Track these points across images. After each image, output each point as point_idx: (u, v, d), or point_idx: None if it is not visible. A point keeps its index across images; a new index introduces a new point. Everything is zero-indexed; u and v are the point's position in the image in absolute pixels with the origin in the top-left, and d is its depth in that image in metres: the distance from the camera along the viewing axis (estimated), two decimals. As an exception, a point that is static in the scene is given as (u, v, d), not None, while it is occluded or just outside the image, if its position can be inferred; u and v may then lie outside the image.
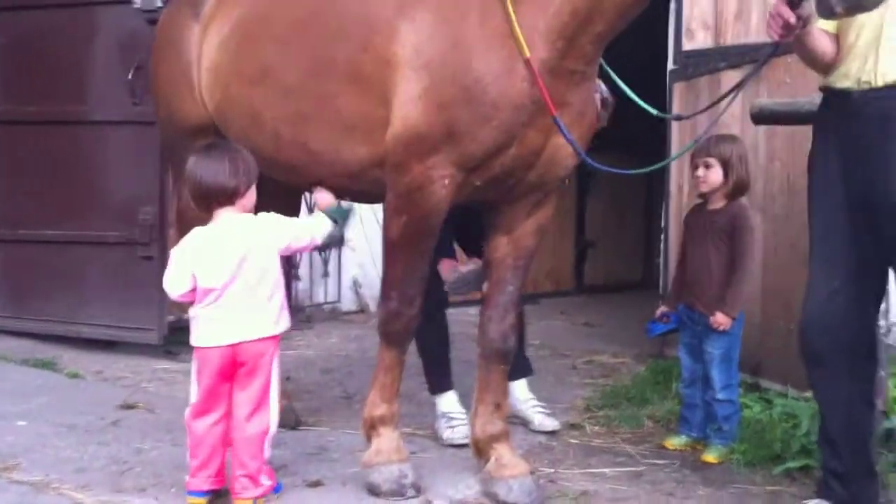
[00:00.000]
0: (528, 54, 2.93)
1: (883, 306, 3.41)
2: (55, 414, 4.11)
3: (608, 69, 3.32)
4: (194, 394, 3.09)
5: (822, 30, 2.98)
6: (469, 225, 3.77)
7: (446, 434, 3.88)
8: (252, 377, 3.07)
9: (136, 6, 5.35)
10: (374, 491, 3.19)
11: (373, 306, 7.35)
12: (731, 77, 4.63)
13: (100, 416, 4.10)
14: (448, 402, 4.01)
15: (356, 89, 3.20)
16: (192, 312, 3.11)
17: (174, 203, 4.47)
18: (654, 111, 3.39)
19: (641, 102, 3.33)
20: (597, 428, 4.24)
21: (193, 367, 3.10)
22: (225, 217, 3.11)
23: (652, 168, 3.57)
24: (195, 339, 3.09)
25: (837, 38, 3.00)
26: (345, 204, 3.42)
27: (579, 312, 8.28)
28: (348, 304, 7.64)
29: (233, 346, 3.04)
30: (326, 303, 7.45)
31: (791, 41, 2.93)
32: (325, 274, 7.35)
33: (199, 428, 3.07)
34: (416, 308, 3.25)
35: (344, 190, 3.60)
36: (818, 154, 3.10)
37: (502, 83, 2.95)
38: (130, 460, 3.53)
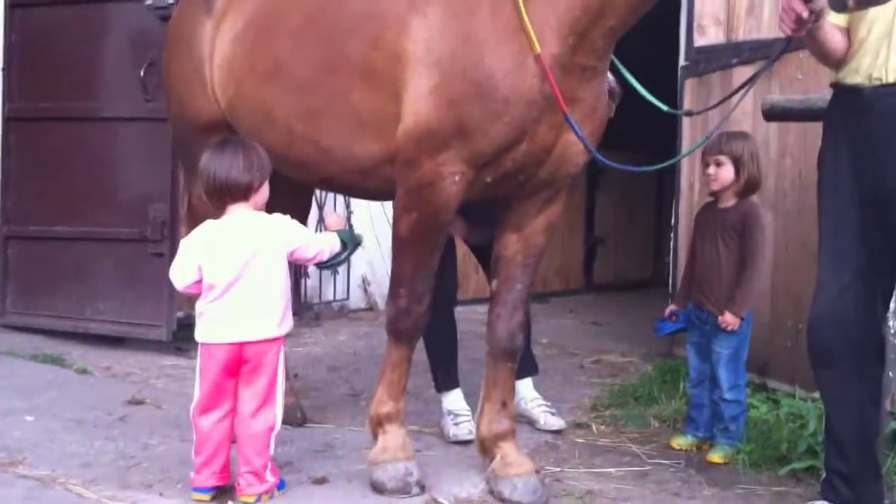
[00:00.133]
0: (538, 50, 2.92)
1: (892, 306, 3.37)
2: (63, 409, 4.11)
3: (619, 65, 3.30)
4: (197, 389, 3.09)
5: (833, 24, 2.95)
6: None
7: (451, 431, 3.88)
8: (257, 374, 3.07)
9: (147, 3, 5.36)
10: (379, 488, 3.19)
11: (381, 304, 7.35)
12: (742, 73, 4.59)
13: (107, 412, 4.11)
14: (454, 399, 4.00)
15: (368, 85, 3.19)
16: (199, 308, 3.11)
17: (185, 200, 4.47)
18: (664, 107, 3.37)
19: (652, 98, 3.31)
20: (603, 427, 4.23)
21: (198, 362, 3.10)
22: (237, 213, 3.12)
23: (663, 165, 3.55)
24: (200, 335, 3.10)
25: (849, 32, 2.97)
26: (352, 228, 3.43)
27: (588, 311, 8.26)
28: (357, 301, 7.64)
29: (237, 343, 3.04)
30: (335, 300, 7.45)
31: (803, 36, 2.91)
32: (335, 272, 7.34)
33: (204, 424, 3.07)
34: (424, 305, 3.24)
35: (355, 187, 3.61)
36: (828, 151, 3.07)
37: (513, 79, 2.94)
38: (137, 456, 3.53)
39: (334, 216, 3.45)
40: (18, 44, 5.87)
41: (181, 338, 5.38)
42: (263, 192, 3.17)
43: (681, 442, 3.95)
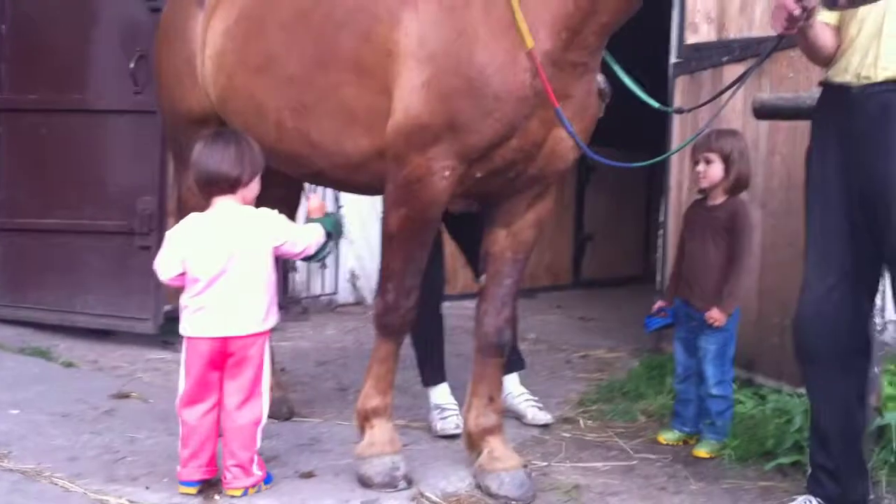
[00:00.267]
0: (531, 45, 2.91)
1: (878, 304, 3.39)
2: (49, 403, 4.10)
3: (611, 61, 3.30)
4: (182, 382, 3.09)
5: (823, 23, 2.96)
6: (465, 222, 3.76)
7: (438, 425, 3.88)
8: (241, 368, 3.06)
9: (137, -6, 5.34)
10: (366, 483, 3.19)
11: (370, 298, 7.35)
12: (734, 71, 4.60)
13: (94, 406, 4.10)
14: (441, 393, 4.00)
15: (359, 80, 3.18)
16: (182, 302, 3.10)
17: (175, 192, 4.46)
18: (655, 104, 3.37)
19: (643, 95, 3.31)
20: (590, 422, 4.24)
21: (183, 356, 3.09)
22: (223, 206, 3.11)
23: (652, 161, 3.56)
24: (184, 329, 3.09)
25: (839, 31, 2.98)
26: (333, 213, 3.40)
27: (576, 307, 8.27)
28: (345, 295, 7.63)
29: (221, 338, 3.03)
30: (323, 294, 7.44)
31: (794, 34, 2.91)
32: (323, 265, 7.33)
33: (189, 417, 3.06)
34: (413, 300, 3.23)
35: (345, 182, 3.60)
36: (816, 149, 3.08)
37: (505, 74, 2.94)
38: (123, 450, 3.52)
39: (315, 200, 3.41)
40: (8, 35, 5.84)
41: (168, 331, 5.34)
42: (253, 187, 3.16)
43: (667, 437, 3.97)
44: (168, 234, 3.19)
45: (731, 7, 5.09)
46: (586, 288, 9.67)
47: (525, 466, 3.36)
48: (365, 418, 3.30)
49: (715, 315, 3.79)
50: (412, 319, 3.29)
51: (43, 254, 5.73)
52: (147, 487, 3.12)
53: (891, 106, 2.85)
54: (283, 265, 6.42)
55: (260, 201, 3.23)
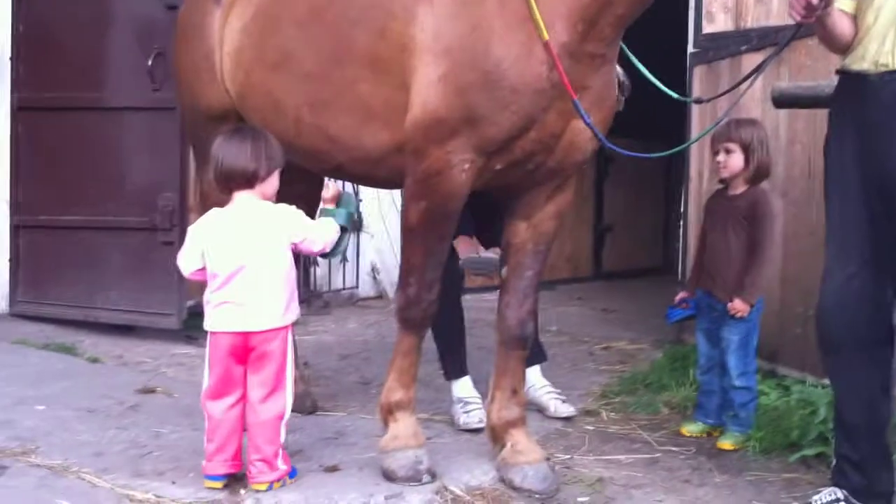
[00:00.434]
0: (547, 37, 2.91)
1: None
2: (74, 398, 4.13)
3: (628, 52, 3.29)
4: (206, 377, 3.11)
5: (841, 10, 2.94)
6: (487, 214, 3.76)
7: (462, 419, 3.89)
8: (263, 362, 3.08)
9: (153, -9, 5.36)
10: (390, 476, 3.19)
11: (391, 292, 7.36)
12: (751, 60, 4.58)
13: (119, 401, 4.12)
14: (463, 387, 4.01)
15: (375, 75, 3.19)
16: (206, 297, 3.13)
17: (197, 188, 4.48)
18: (674, 94, 3.36)
19: (661, 85, 3.30)
20: (613, 414, 4.24)
21: (207, 350, 3.11)
22: (242, 201, 3.13)
23: (672, 151, 3.55)
24: (207, 324, 3.11)
25: (856, 19, 2.96)
26: (347, 196, 3.39)
27: (597, 298, 8.25)
28: (366, 289, 7.66)
29: (242, 333, 3.05)
30: (344, 289, 7.46)
31: (813, 22, 2.89)
32: (344, 260, 7.34)
33: (215, 411, 3.08)
34: (434, 293, 3.24)
35: (365, 176, 3.61)
36: (834, 138, 3.06)
37: (522, 67, 2.93)
38: (149, 444, 3.54)
39: (331, 189, 3.38)
40: (26, 34, 5.88)
41: (191, 326, 5.39)
42: (271, 182, 3.16)
43: (691, 429, 3.96)
44: (189, 228, 3.21)
45: (747, -4, 5.07)
46: (606, 279, 9.67)
47: (548, 459, 3.37)
48: (388, 412, 3.31)
49: (738, 306, 3.78)
50: (434, 312, 3.29)
51: (64, 251, 5.77)
52: (173, 482, 3.14)
53: (908, 94, 2.83)
54: (304, 260, 6.44)
55: (281, 197, 3.24)
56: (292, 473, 3.16)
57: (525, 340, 3.37)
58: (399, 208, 3.60)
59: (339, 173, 3.77)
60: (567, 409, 4.12)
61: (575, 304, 7.92)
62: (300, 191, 3.80)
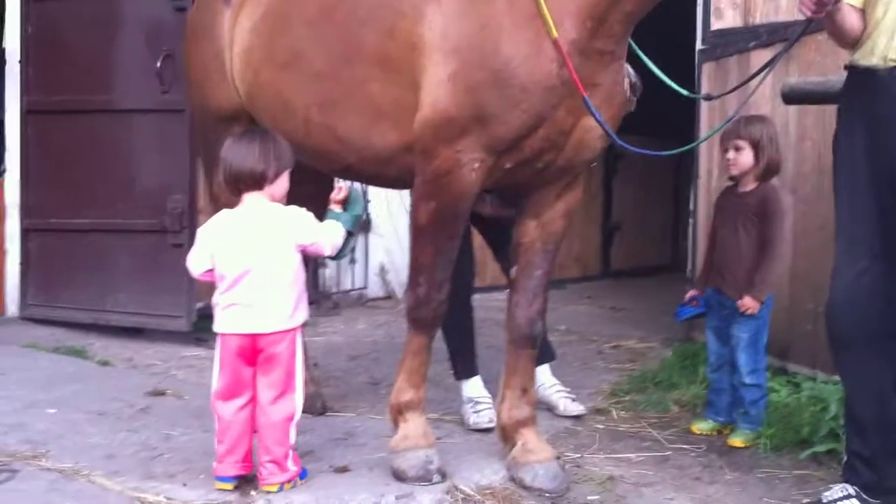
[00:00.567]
0: (556, 34, 2.90)
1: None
2: (85, 401, 4.14)
3: (637, 50, 3.28)
4: (216, 378, 3.11)
5: (850, 5, 2.93)
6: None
7: (472, 419, 3.88)
8: (272, 364, 3.08)
9: (162, -6, 5.37)
10: (400, 476, 3.19)
11: (400, 292, 7.37)
12: (760, 56, 4.56)
13: (129, 404, 4.13)
14: (473, 386, 4.00)
15: (385, 74, 3.19)
16: (214, 299, 3.13)
17: (206, 189, 4.49)
18: (683, 91, 3.35)
19: (671, 82, 3.29)
20: (623, 413, 4.23)
21: (216, 351, 3.12)
22: (251, 203, 3.13)
23: (682, 149, 3.54)
24: (216, 325, 3.12)
25: (864, 13, 2.95)
26: (354, 192, 3.38)
27: (606, 296, 8.24)
28: (375, 290, 7.65)
29: (250, 335, 3.05)
30: (353, 289, 7.46)
31: (823, 17, 2.88)
32: (352, 260, 7.35)
33: (225, 412, 3.08)
34: (444, 293, 3.23)
35: (374, 176, 3.61)
36: (843, 133, 3.05)
37: (531, 65, 2.92)
38: (160, 447, 3.55)
39: (341, 191, 3.35)
40: (35, 37, 5.91)
41: (201, 328, 5.40)
42: (281, 184, 3.16)
43: (701, 427, 3.95)
44: (199, 230, 3.22)
45: (756, -8, 5.05)
46: (615, 278, 9.64)
47: (558, 458, 3.36)
48: (398, 412, 3.31)
49: (748, 303, 3.76)
50: (444, 312, 3.28)
51: (74, 253, 5.80)
52: (184, 484, 3.14)
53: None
54: (313, 261, 6.45)
55: (290, 198, 3.24)
56: (303, 474, 3.16)
57: (535, 339, 3.36)
58: (408, 208, 3.58)
59: (349, 173, 3.77)
60: (577, 408, 4.11)
61: (584, 303, 7.90)
62: (309, 191, 3.79)
